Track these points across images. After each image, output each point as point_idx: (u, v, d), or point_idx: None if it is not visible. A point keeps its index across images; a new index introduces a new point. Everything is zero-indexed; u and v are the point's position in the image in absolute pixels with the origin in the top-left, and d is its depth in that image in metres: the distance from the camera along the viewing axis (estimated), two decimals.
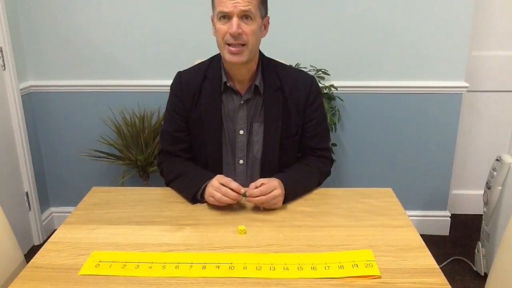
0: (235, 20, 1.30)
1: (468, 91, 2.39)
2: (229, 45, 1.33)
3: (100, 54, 2.37)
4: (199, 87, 1.46)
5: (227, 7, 1.30)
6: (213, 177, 1.33)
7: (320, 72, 2.29)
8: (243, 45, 1.33)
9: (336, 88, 2.29)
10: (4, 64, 2.21)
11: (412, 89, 2.36)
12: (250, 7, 1.30)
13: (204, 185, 1.33)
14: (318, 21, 2.28)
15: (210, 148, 1.48)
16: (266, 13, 1.40)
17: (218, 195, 1.27)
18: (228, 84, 1.44)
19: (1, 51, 2.19)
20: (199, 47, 2.30)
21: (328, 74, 2.32)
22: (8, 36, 2.22)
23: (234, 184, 1.27)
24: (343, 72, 2.34)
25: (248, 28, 1.32)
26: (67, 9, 2.31)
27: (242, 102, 1.45)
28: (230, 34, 1.31)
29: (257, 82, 1.44)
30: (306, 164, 1.50)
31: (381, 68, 2.34)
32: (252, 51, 1.37)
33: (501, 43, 2.46)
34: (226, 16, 1.32)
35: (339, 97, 2.35)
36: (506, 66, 2.49)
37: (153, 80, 2.39)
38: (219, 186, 1.28)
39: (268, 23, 1.43)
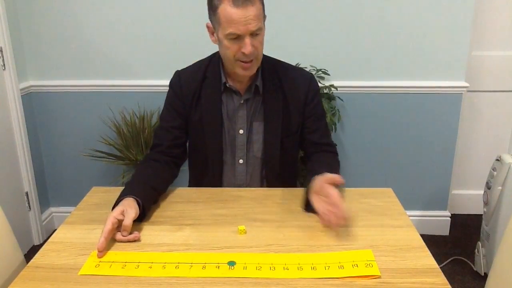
0: (248, 40, 1.28)
1: (468, 91, 2.39)
2: (241, 60, 1.33)
3: (100, 54, 2.37)
4: (199, 87, 1.45)
5: (239, 30, 1.26)
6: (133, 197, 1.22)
7: (320, 72, 2.29)
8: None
9: (336, 88, 2.29)
10: (4, 64, 2.21)
11: (412, 89, 2.36)
12: (259, 24, 1.28)
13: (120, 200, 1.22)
14: (318, 21, 2.28)
15: (210, 148, 1.48)
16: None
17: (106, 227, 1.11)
18: (227, 85, 1.44)
19: (1, 51, 2.19)
20: (199, 47, 2.29)
21: (328, 74, 2.32)
22: (8, 36, 2.22)
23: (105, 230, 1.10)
24: (343, 72, 2.34)
25: (257, 41, 1.31)
26: (67, 9, 2.31)
27: (242, 102, 1.45)
28: (245, 54, 1.30)
29: (257, 82, 1.44)
30: (325, 162, 1.45)
31: (381, 68, 2.34)
32: (260, 59, 1.38)
33: (501, 43, 2.46)
34: (237, 37, 1.29)
35: (339, 97, 2.35)
36: (506, 66, 2.49)
37: (153, 80, 2.39)
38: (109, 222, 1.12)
39: (265, 20, 1.39)
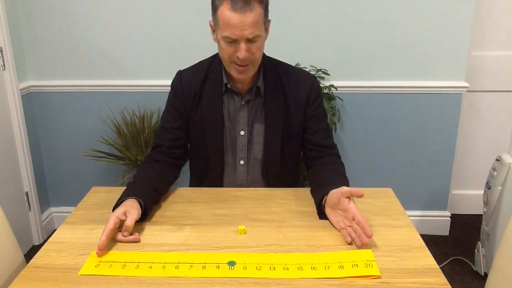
0: (243, 45, 1.27)
1: (468, 91, 2.39)
2: (236, 63, 1.32)
3: (100, 54, 2.37)
4: (200, 88, 1.45)
5: (234, 35, 1.25)
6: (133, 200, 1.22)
7: (320, 72, 2.30)
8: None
9: (336, 88, 2.30)
10: (4, 64, 2.21)
11: (412, 89, 2.36)
12: (257, 32, 1.27)
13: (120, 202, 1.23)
14: (318, 21, 2.28)
15: (211, 149, 1.48)
16: (268, 17, 1.36)
17: (108, 225, 1.12)
18: (229, 86, 1.44)
19: (1, 51, 2.19)
20: (199, 47, 2.29)
21: (328, 74, 2.32)
22: (8, 36, 2.22)
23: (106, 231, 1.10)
24: (343, 72, 2.34)
25: (254, 47, 1.30)
26: (67, 9, 2.31)
27: (243, 103, 1.45)
28: (239, 58, 1.29)
29: (258, 83, 1.43)
30: (334, 169, 1.44)
31: (381, 68, 2.34)
32: (257, 64, 1.36)
33: (501, 43, 2.46)
34: (233, 40, 1.28)
35: (339, 97, 2.35)
36: (506, 66, 2.49)
37: (153, 80, 2.39)
38: (111, 222, 1.12)
39: (269, 25, 1.40)
